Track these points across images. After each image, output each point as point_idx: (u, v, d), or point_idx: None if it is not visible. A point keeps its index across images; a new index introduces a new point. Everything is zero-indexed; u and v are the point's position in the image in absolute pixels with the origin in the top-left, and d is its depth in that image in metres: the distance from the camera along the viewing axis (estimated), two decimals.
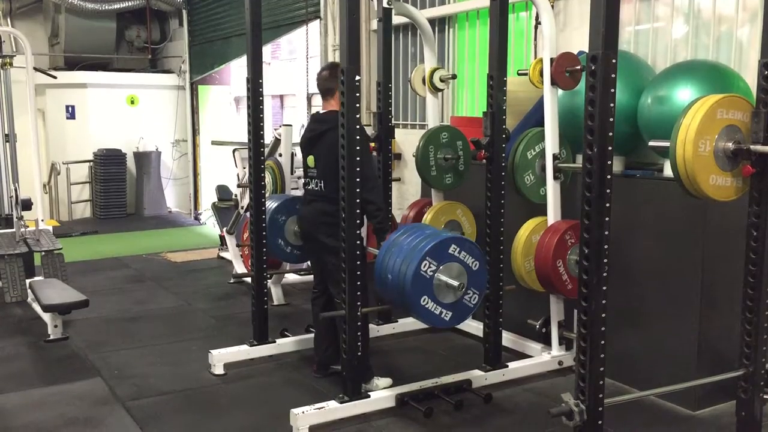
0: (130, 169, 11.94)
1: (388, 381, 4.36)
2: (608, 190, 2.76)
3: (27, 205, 6.69)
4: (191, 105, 11.93)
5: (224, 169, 9.93)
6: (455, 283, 3.67)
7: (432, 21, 6.45)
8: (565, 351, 4.67)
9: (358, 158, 3.81)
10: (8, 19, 11.56)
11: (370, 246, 4.63)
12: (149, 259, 8.50)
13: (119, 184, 11.72)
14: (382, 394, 4.09)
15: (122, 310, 6.30)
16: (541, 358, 4.68)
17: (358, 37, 3.87)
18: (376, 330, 5.26)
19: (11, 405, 4.28)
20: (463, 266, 3.71)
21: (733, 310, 3.56)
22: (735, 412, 3.34)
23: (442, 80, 5.31)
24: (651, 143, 3.47)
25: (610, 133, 2.74)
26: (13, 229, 6.49)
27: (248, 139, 4.82)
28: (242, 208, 7.00)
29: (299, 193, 5.66)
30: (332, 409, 3.90)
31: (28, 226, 6.50)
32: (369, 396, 4.03)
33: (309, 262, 5.80)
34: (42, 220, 6.82)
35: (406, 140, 7.05)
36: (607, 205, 2.77)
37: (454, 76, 5.55)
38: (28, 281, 6.01)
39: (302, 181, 4.85)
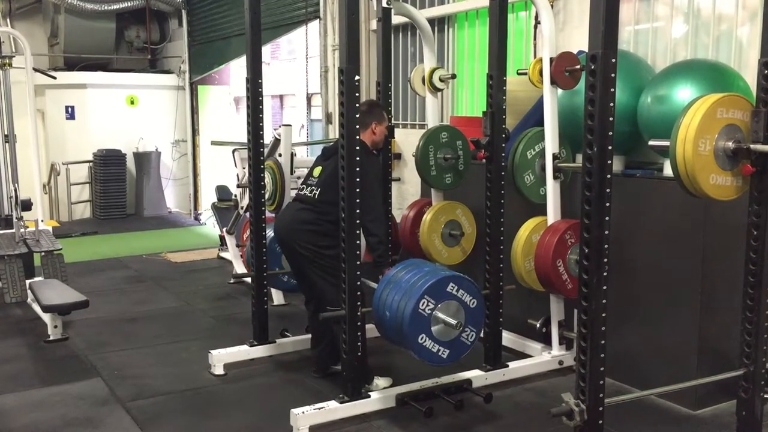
0: (129, 170, 11.94)
1: (388, 381, 4.37)
2: (608, 190, 2.76)
3: (27, 205, 6.69)
4: (191, 105, 11.93)
5: (224, 170, 9.93)
6: (453, 322, 3.67)
7: (431, 21, 6.45)
8: (565, 351, 4.67)
9: (357, 158, 3.80)
10: (8, 20, 11.55)
11: (366, 258, 4.57)
12: (149, 260, 8.50)
13: (119, 185, 11.72)
14: (382, 394, 4.08)
15: (122, 311, 6.30)
16: (542, 357, 4.68)
17: (357, 37, 3.87)
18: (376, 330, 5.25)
19: (11, 406, 4.28)
20: (460, 304, 3.72)
21: (733, 309, 3.56)
22: (735, 412, 3.34)
23: (441, 80, 5.30)
24: (651, 142, 3.46)
25: (610, 133, 2.74)
26: (13, 230, 6.49)
27: (248, 140, 4.82)
28: (242, 208, 7.00)
29: None
30: (332, 409, 3.89)
31: (27, 227, 6.49)
32: (369, 396, 4.03)
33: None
34: (42, 221, 6.82)
35: (406, 140, 7.04)
36: (607, 204, 2.77)
37: (453, 76, 5.55)
38: (27, 282, 6.00)
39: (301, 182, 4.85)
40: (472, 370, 4.42)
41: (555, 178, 4.48)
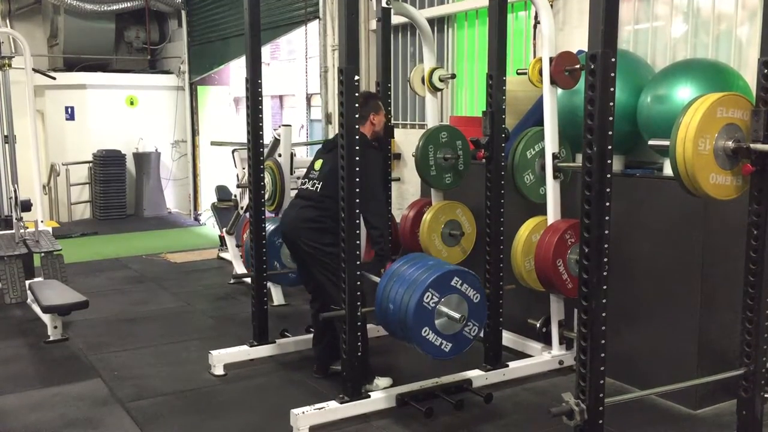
0: (129, 170, 11.94)
1: (388, 381, 4.36)
2: (608, 189, 2.75)
3: (26, 206, 6.69)
4: (190, 105, 11.93)
5: (224, 170, 9.94)
6: (457, 315, 3.68)
7: (431, 21, 6.45)
8: (565, 350, 4.67)
9: (357, 158, 3.80)
10: (7, 21, 11.56)
11: (366, 259, 4.58)
12: (149, 260, 8.50)
13: (119, 185, 11.72)
14: (382, 394, 4.08)
15: (122, 311, 6.30)
16: (542, 357, 4.68)
17: (357, 37, 3.87)
18: (376, 330, 5.25)
19: (11, 406, 4.28)
20: (464, 298, 3.73)
21: (733, 308, 3.56)
22: (736, 411, 3.33)
23: (441, 80, 5.30)
24: (651, 142, 3.46)
25: (610, 132, 2.73)
26: (13, 231, 6.49)
27: (247, 140, 4.82)
28: (242, 208, 7.00)
29: None
30: (332, 410, 3.89)
31: (27, 228, 6.50)
32: (369, 396, 4.03)
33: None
34: (41, 222, 6.82)
35: (406, 140, 7.04)
36: (607, 204, 2.76)
37: (453, 76, 5.55)
38: (27, 282, 6.00)
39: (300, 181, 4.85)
40: (472, 370, 4.42)
41: (555, 177, 4.48)
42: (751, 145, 3.00)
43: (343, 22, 3.78)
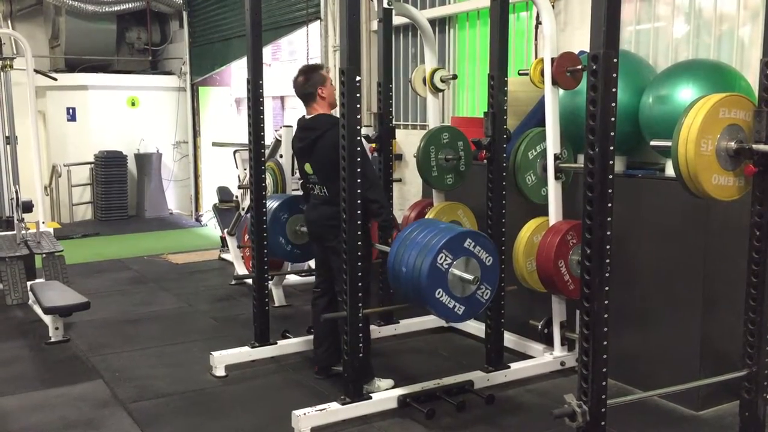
0: (131, 171, 11.94)
1: (389, 382, 4.35)
2: (610, 190, 2.75)
3: (28, 207, 6.69)
4: (192, 106, 11.93)
5: (225, 171, 9.93)
6: (470, 277, 3.69)
7: (432, 21, 6.45)
8: (567, 351, 4.66)
9: (359, 159, 3.80)
10: (9, 22, 11.57)
11: (377, 243, 4.64)
12: (150, 261, 8.50)
13: (120, 186, 11.72)
14: (383, 396, 4.08)
15: (123, 312, 6.30)
16: (544, 358, 4.67)
17: (358, 37, 3.87)
18: (377, 331, 5.26)
19: (12, 408, 4.28)
20: (477, 261, 3.74)
21: (735, 309, 3.55)
22: (738, 413, 3.33)
23: (442, 80, 5.30)
24: (653, 143, 3.46)
25: (612, 133, 2.73)
26: (14, 232, 6.49)
27: (249, 141, 4.82)
28: (243, 209, 6.99)
29: (300, 193, 5.67)
30: (334, 411, 3.89)
31: (29, 229, 6.50)
32: (371, 397, 4.02)
33: (309, 263, 5.83)
34: (43, 223, 6.83)
35: (407, 141, 7.04)
36: (609, 205, 2.76)
37: (454, 77, 5.55)
38: (29, 283, 6.01)
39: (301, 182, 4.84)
40: (473, 371, 4.41)
41: (556, 178, 4.47)
42: (754, 146, 3.00)
43: (344, 23, 3.78)
